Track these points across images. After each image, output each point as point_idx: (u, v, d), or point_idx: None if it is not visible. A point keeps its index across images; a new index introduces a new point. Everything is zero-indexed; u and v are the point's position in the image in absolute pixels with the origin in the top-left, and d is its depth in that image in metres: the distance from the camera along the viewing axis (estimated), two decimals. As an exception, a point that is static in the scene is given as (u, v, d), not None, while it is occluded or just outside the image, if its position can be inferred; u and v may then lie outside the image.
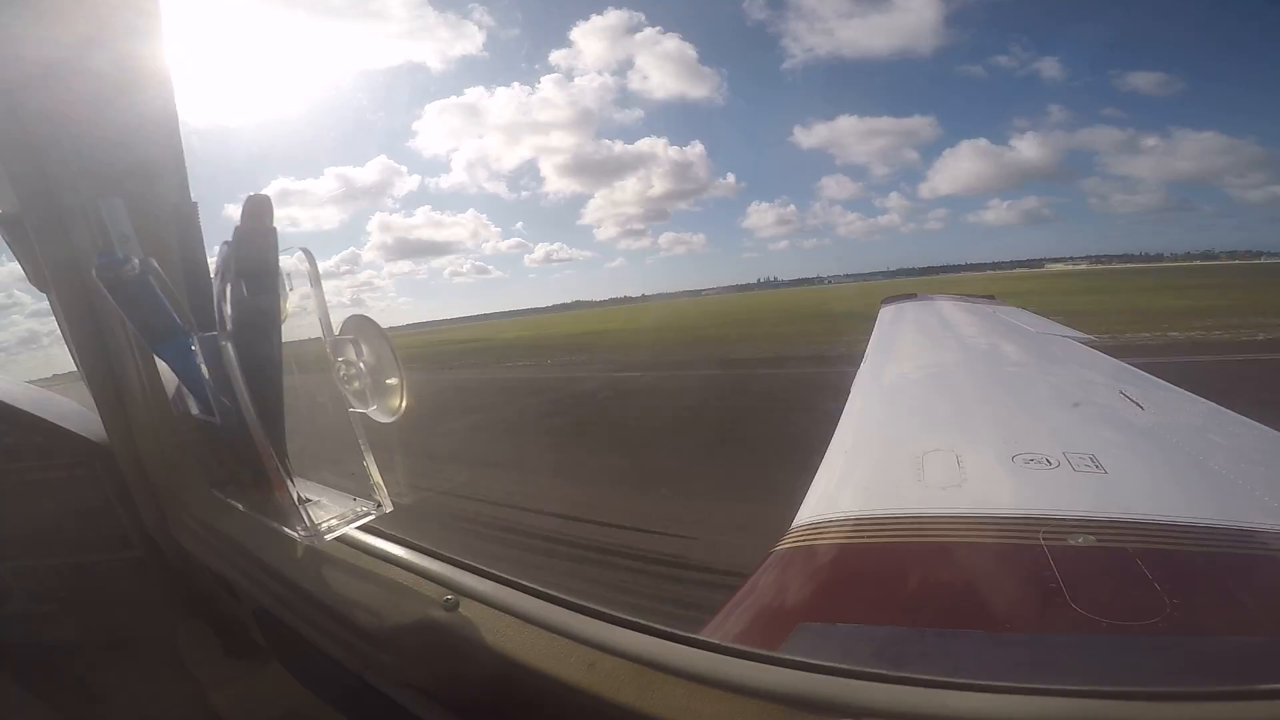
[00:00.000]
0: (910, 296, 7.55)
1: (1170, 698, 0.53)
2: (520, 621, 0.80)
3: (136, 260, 0.94)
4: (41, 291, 1.23)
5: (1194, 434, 2.47)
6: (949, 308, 6.78)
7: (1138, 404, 2.82)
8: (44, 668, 1.56)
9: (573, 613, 0.79)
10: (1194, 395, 2.94)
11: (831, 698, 0.57)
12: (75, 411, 1.51)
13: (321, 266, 0.90)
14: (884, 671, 0.58)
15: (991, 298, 7.07)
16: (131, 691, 1.55)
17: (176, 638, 1.54)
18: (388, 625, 0.89)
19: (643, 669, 0.68)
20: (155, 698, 1.54)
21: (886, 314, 6.74)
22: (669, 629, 0.72)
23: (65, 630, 1.55)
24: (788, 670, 0.62)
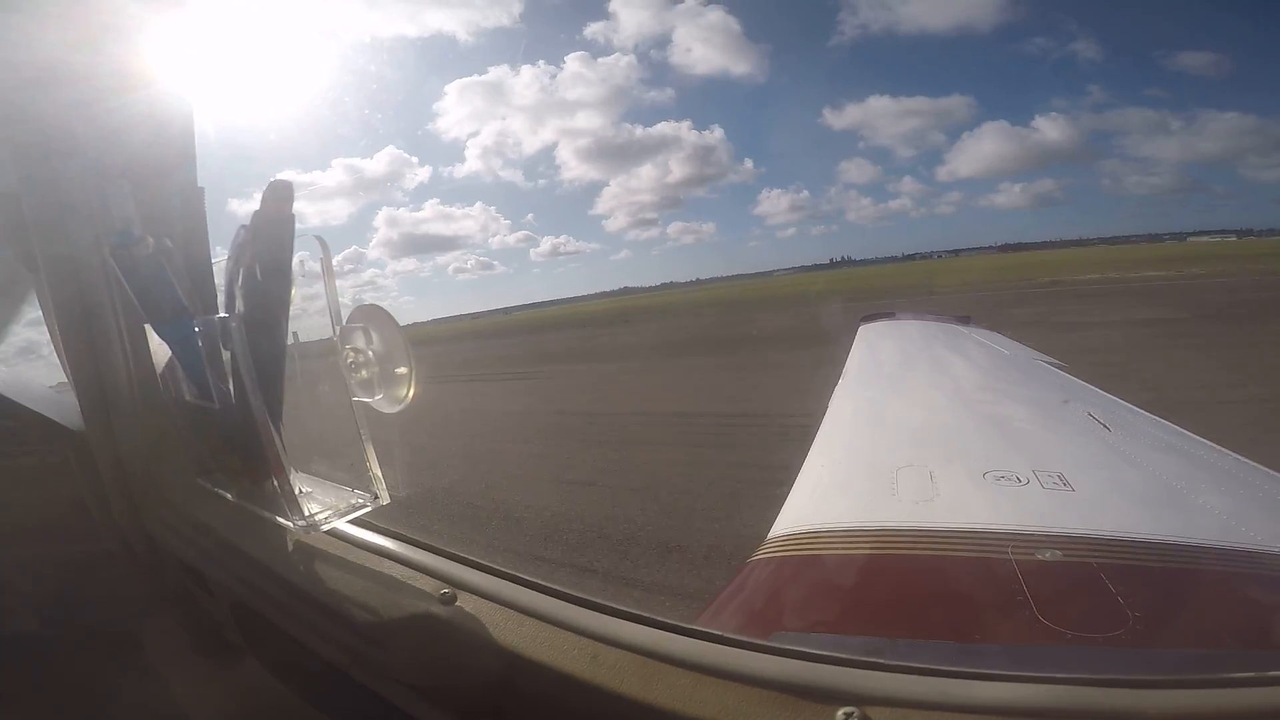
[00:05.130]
0: (889, 315, 7.69)
1: (1151, 685, 0.55)
2: (520, 615, 0.80)
3: (151, 240, 0.93)
4: (30, 272, 1.20)
5: (1157, 455, 2.57)
6: (925, 328, 6.92)
7: (1104, 425, 2.92)
8: (3, 663, 1.50)
9: (573, 605, 0.79)
10: (1157, 418, 3.05)
11: (833, 686, 0.59)
12: (51, 397, 1.46)
13: (315, 291, 0.90)
14: (883, 660, 0.60)
15: (967, 319, 7.24)
16: (98, 689, 1.49)
17: (145, 634, 1.49)
18: (380, 620, 0.88)
19: (646, 660, 0.68)
20: (125, 695, 1.48)
21: (864, 333, 6.85)
22: (670, 620, 0.73)
23: (28, 624, 1.49)
24: (790, 660, 0.63)
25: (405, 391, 0.88)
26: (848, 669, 0.61)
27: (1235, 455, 2.45)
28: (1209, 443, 2.61)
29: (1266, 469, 2.31)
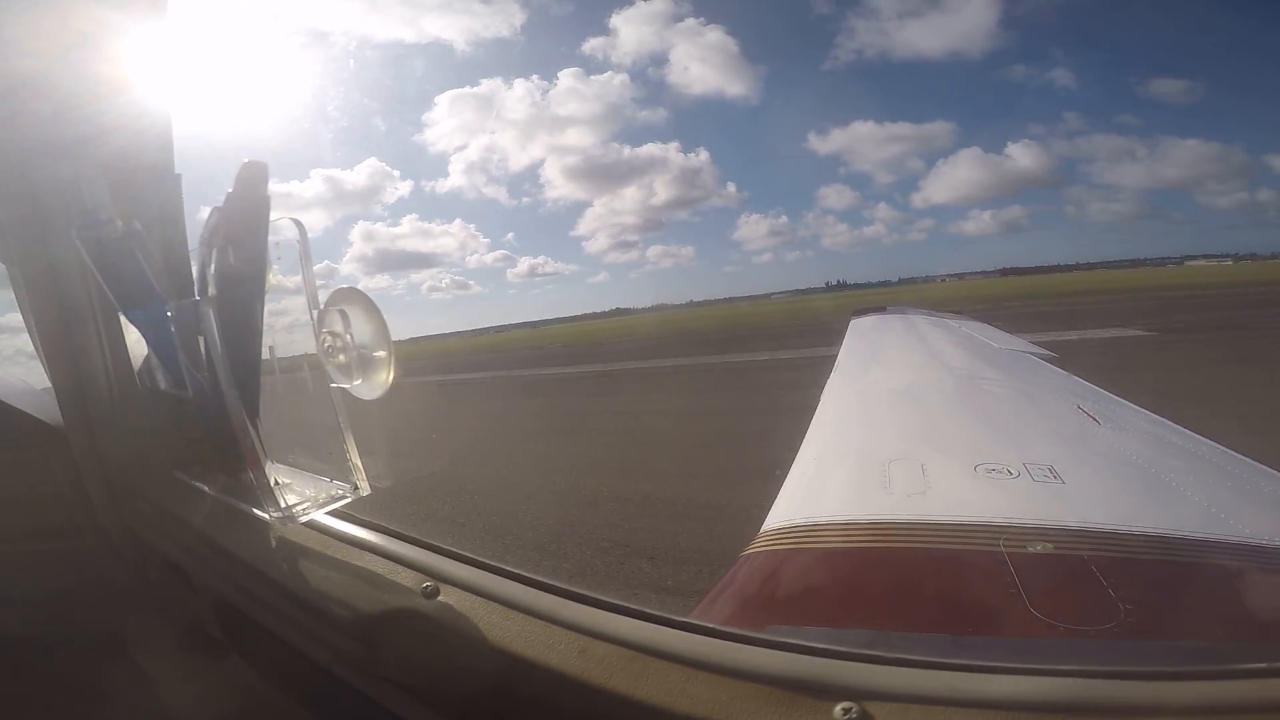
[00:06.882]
0: (880, 309, 7.72)
1: (1147, 677, 0.54)
2: (505, 609, 0.77)
3: (120, 223, 0.89)
4: (1, 264, 1.17)
5: (1146, 447, 2.58)
6: (917, 321, 6.95)
7: (1094, 418, 2.94)
8: None
9: (560, 599, 0.77)
10: (1146, 411, 3.07)
11: (831, 680, 0.57)
12: (27, 392, 1.43)
13: (293, 283, 0.87)
14: (882, 654, 0.58)
15: (958, 313, 7.29)
16: (77, 689, 1.46)
17: (127, 630, 1.46)
18: (361, 614, 0.86)
19: (636, 654, 0.66)
20: (109, 692, 1.45)
21: (857, 326, 6.88)
22: (660, 613, 0.71)
23: (9, 622, 1.46)
24: (787, 654, 0.61)
25: (385, 376, 0.85)
26: (846, 663, 0.59)
27: (1224, 448, 2.47)
28: (1198, 436, 2.63)
29: (1255, 461, 2.33)
